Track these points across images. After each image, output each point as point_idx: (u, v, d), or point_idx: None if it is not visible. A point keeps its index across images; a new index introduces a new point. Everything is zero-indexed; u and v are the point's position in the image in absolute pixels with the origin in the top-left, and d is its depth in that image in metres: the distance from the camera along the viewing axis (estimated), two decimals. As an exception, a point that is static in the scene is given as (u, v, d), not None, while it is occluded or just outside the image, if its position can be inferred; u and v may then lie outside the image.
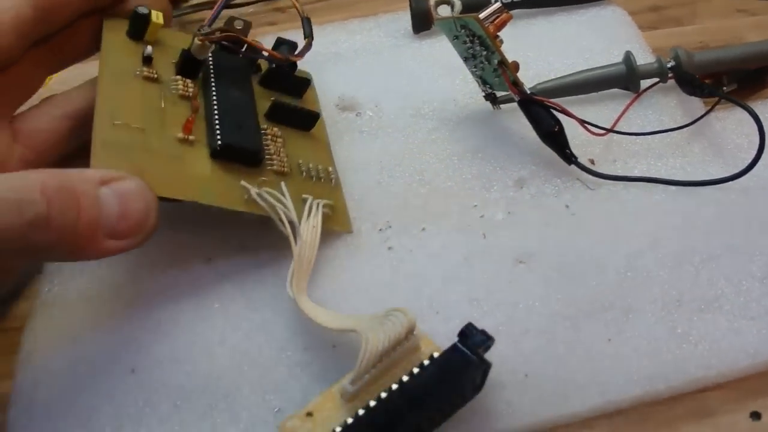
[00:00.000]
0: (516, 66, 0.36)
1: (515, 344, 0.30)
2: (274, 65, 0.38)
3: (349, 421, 0.25)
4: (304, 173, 0.35)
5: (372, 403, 0.26)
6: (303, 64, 0.39)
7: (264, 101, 0.37)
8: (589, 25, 0.45)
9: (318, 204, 0.33)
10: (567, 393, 0.29)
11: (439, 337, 0.30)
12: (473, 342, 0.27)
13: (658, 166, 0.37)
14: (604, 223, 0.34)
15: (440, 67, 0.44)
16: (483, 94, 0.40)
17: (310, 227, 0.32)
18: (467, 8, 0.45)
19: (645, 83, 0.40)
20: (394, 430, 0.25)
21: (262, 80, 0.39)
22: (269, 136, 0.35)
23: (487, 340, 0.27)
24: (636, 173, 0.36)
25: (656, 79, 0.40)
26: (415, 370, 0.26)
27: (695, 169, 0.37)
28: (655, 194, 0.35)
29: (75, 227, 0.27)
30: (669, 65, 0.40)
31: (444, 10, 0.46)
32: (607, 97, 0.41)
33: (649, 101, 0.40)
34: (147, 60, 0.35)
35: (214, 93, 0.35)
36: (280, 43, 0.39)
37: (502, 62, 0.36)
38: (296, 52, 0.37)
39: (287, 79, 0.39)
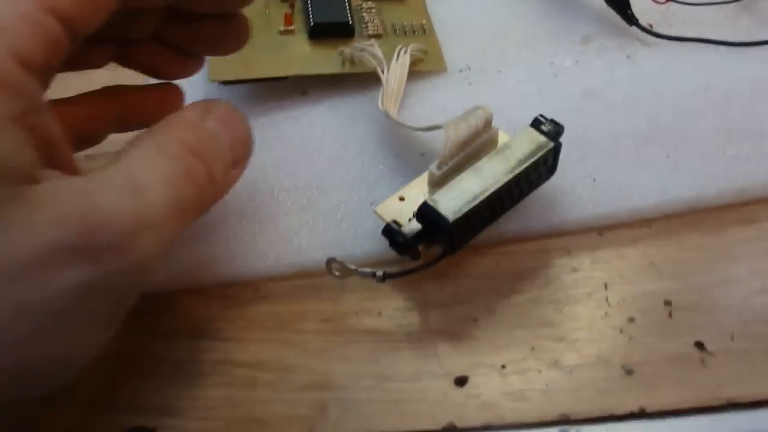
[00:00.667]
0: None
1: (583, 156, 0.34)
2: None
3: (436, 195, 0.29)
4: (398, 31, 0.40)
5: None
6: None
7: None
8: None
9: (406, 49, 0.38)
10: (630, 191, 0.33)
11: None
12: (545, 127, 0.31)
13: (709, 33, 0.40)
14: (661, 71, 0.38)
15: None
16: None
17: (399, 64, 0.37)
18: None
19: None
20: (481, 204, 0.29)
21: None
22: (364, 9, 0.41)
23: (557, 125, 0.31)
24: (689, 37, 0.40)
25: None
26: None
27: (744, 38, 0.40)
28: (708, 53, 0.39)
29: (223, 172, 0.26)
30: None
31: None
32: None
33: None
34: None
35: None
36: None
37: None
38: None
39: None
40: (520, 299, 0.31)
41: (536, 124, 0.31)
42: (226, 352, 0.30)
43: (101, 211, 0.20)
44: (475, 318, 0.30)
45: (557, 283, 0.31)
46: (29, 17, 0.20)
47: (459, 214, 0.28)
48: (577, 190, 0.33)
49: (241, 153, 0.27)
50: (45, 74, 0.21)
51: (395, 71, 0.36)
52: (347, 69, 0.38)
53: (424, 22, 0.41)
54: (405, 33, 0.40)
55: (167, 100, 0.30)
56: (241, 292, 0.32)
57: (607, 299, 0.31)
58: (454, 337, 0.30)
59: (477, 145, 0.31)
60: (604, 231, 0.33)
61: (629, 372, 0.29)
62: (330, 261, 0.30)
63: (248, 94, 0.38)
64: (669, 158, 0.34)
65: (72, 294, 0.20)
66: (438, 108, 0.37)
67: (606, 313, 0.30)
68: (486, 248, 0.32)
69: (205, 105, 0.26)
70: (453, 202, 0.28)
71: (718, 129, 0.35)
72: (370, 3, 0.41)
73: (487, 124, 0.31)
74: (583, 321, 0.30)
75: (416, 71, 0.38)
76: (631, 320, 0.30)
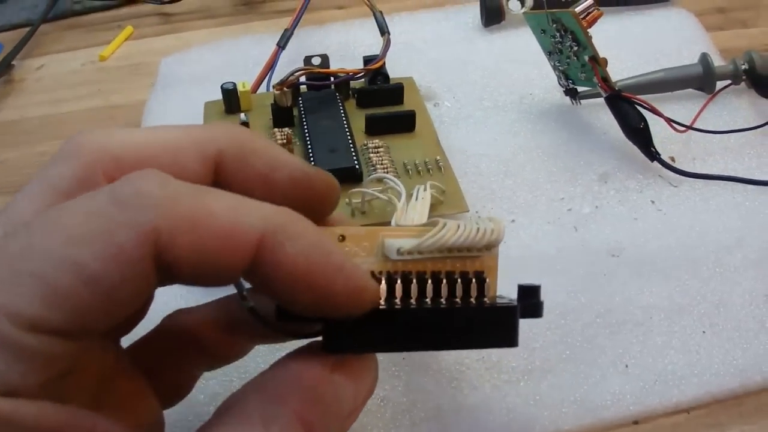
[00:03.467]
0: (605, 62, 0.37)
1: (613, 335, 0.31)
2: (355, 89, 0.41)
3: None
4: (411, 171, 0.37)
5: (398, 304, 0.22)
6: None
7: (362, 120, 0.39)
8: (658, 26, 0.47)
9: (425, 186, 0.31)
10: (667, 382, 0.30)
11: (538, 326, 0.31)
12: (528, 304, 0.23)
13: (734, 165, 0.38)
14: (690, 219, 0.35)
15: (514, 61, 0.45)
16: (563, 89, 0.41)
17: (420, 202, 0.31)
18: (537, 5, 0.46)
19: (718, 85, 0.41)
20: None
21: (359, 102, 0.40)
22: (370, 149, 0.37)
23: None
24: (715, 172, 0.37)
25: (728, 81, 0.41)
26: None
27: (773, 171, 0.38)
28: (737, 193, 0.36)
29: None
30: (743, 67, 0.41)
31: (515, 5, 0.47)
32: (681, 97, 0.42)
33: (723, 102, 0.41)
34: (244, 125, 0.38)
35: (306, 130, 0.37)
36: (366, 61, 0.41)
37: (594, 57, 0.37)
38: (377, 58, 0.39)
39: (380, 91, 0.40)
40: None
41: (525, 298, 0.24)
42: None
43: None
44: None
45: (591, 492, 0.28)
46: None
47: None
48: (609, 380, 0.30)
49: (362, 401, 0.22)
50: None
51: (415, 211, 0.29)
52: (358, 220, 0.34)
53: (438, 158, 0.37)
54: (419, 172, 0.36)
55: None
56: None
57: None
58: None
59: (456, 252, 0.23)
60: (639, 421, 0.30)
61: None
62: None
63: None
64: (705, 334, 0.31)
65: None
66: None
67: None
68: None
69: (335, 357, 0.21)
70: None
71: (755, 294, 0.32)
72: (376, 141, 0.38)
73: (489, 244, 0.24)
74: None
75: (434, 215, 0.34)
76: None
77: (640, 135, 0.37)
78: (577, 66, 0.38)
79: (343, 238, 0.22)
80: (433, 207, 0.34)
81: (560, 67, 0.40)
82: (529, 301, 0.23)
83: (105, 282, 0.16)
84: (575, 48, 0.37)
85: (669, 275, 0.33)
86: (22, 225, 0.17)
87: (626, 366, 0.30)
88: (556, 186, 0.37)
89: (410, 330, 0.22)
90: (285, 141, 0.38)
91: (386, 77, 0.40)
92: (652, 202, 0.36)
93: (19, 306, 0.16)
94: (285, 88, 0.38)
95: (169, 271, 0.17)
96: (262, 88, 0.41)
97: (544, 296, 0.25)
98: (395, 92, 0.40)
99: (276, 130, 0.39)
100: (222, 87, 0.39)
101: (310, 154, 0.36)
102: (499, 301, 0.23)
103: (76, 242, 0.16)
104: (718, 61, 0.42)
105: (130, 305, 0.17)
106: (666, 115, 0.38)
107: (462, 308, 0.22)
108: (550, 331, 0.31)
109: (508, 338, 0.23)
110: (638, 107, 0.37)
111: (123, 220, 0.17)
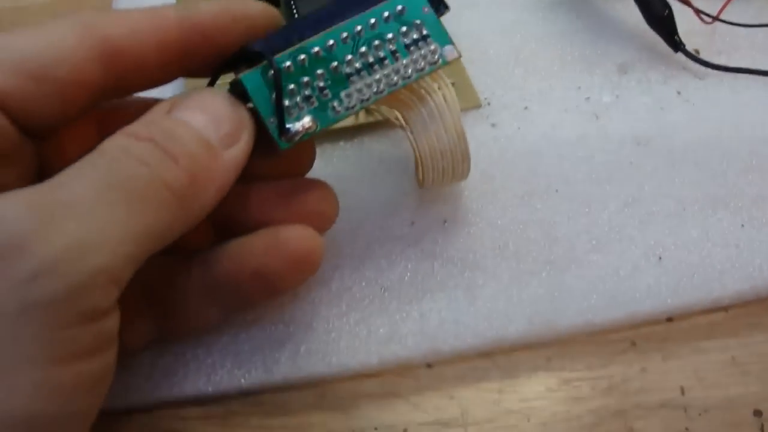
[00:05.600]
0: (628, -60, 0.33)
1: (643, 224, 0.28)
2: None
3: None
4: None
5: None
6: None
7: None
8: None
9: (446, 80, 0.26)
10: (706, 276, 0.27)
11: (560, 215, 0.28)
12: None
13: (763, 60, 0.34)
14: (720, 112, 0.32)
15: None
16: (576, -25, 0.37)
17: (450, 105, 0.26)
18: None
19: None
20: None
21: None
22: None
23: None
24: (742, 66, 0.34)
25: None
26: None
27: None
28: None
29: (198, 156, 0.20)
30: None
31: None
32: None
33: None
34: None
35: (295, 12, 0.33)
36: None
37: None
38: None
39: None
40: (581, 410, 0.24)
41: None
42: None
43: None
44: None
45: (623, 388, 0.25)
46: None
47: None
48: (642, 271, 0.26)
49: (231, 128, 0.21)
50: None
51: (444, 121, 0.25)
52: (369, 118, 0.30)
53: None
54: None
55: None
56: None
57: (686, 410, 0.24)
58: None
59: None
60: (673, 317, 0.26)
61: None
62: None
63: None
64: (744, 228, 0.28)
65: None
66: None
67: (687, 429, 0.24)
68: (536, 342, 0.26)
69: (174, 98, 0.21)
70: None
71: (796, 187, 0.29)
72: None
73: None
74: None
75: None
76: (716, 440, 0.24)
77: (664, 24, 0.33)
78: (595, -53, 0.35)
79: None
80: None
81: (574, -49, 0.36)
82: None
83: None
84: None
85: (702, 166, 0.30)
86: None
87: (660, 258, 0.27)
88: (572, 75, 0.33)
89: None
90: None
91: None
92: (679, 93, 0.33)
93: None
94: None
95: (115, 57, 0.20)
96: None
97: (566, 184, 0.26)
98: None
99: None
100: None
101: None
102: None
103: None
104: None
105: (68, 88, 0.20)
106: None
107: None
108: (573, 220, 0.28)
109: None
110: (662, -7, 0.33)
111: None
